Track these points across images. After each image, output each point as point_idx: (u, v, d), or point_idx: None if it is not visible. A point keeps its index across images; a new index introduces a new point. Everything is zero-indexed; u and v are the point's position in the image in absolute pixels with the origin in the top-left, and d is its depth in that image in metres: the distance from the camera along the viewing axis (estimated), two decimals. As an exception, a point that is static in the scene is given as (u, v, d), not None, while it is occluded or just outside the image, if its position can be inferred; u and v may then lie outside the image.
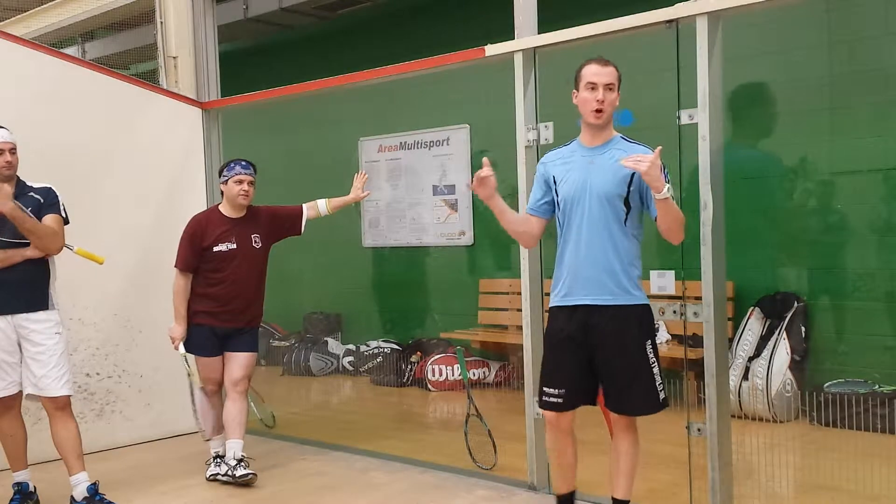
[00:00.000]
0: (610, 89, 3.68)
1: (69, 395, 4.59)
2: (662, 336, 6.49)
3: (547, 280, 4.93)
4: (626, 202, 3.70)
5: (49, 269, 4.63)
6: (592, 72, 3.69)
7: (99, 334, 5.93)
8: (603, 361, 3.76)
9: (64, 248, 4.64)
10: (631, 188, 3.69)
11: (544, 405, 3.86)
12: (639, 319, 3.76)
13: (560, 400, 3.80)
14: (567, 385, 3.79)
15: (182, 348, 5.11)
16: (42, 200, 4.56)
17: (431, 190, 8.01)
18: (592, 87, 3.67)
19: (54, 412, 4.56)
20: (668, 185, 3.53)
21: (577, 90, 3.75)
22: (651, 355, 3.75)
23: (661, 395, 3.78)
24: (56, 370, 4.52)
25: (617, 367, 3.75)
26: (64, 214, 4.65)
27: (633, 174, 3.64)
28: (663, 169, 3.60)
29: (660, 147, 3.57)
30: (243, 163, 5.16)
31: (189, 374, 5.16)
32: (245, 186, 5.13)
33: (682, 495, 4.33)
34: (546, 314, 4.86)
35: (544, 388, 3.85)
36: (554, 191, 3.83)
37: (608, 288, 3.71)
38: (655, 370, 3.75)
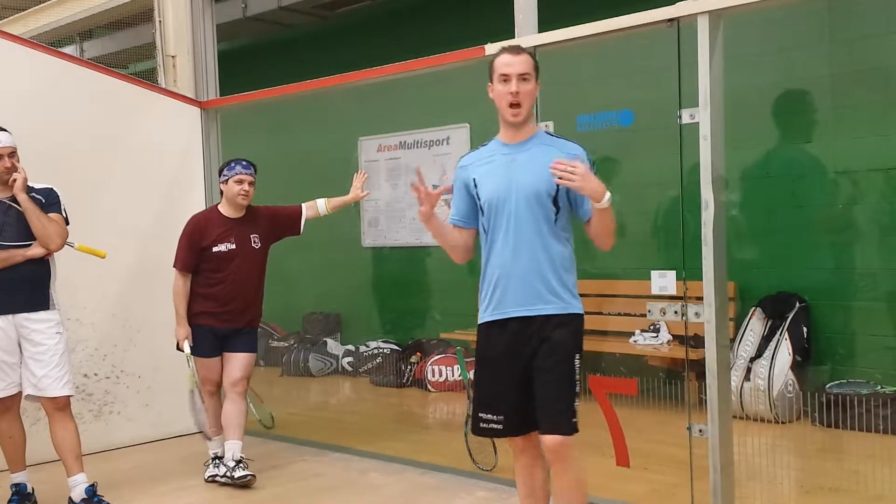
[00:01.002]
0: (525, 80, 3.35)
1: (69, 396, 4.58)
2: (664, 336, 6.48)
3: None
4: (556, 201, 3.37)
5: (50, 268, 4.63)
6: (504, 62, 3.37)
7: (97, 334, 5.91)
8: (533, 372, 3.38)
9: (65, 245, 4.63)
10: (560, 186, 3.33)
11: (481, 432, 3.50)
12: (573, 330, 3.40)
13: (500, 426, 3.44)
14: (507, 410, 3.42)
15: (187, 347, 5.09)
16: (44, 201, 4.57)
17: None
18: (505, 78, 3.34)
19: (54, 412, 4.54)
20: (608, 195, 3.20)
21: (492, 83, 3.42)
22: (577, 371, 3.38)
23: (574, 420, 3.35)
24: (57, 370, 4.51)
25: (544, 377, 3.36)
26: (65, 214, 4.65)
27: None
28: (594, 170, 3.33)
29: (580, 152, 3.37)
30: (244, 163, 5.14)
31: (193, 376, 5.12)
32: (245, 186, 5.11)
33: (683, 496, 4.31)
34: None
35: (480, 414, 3.46)
36: (475, 195, 3.48)
37: (541, 296, 3.36)
38: (577, 388, 3.36)
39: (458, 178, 3.57)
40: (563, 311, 3.38)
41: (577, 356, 3.39)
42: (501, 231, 3.40)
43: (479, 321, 3.52)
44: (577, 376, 3.37)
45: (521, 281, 3.37)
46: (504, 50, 3.44)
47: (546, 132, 3.53)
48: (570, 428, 3.33)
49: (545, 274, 3.36)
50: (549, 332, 3.35)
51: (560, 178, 3.19)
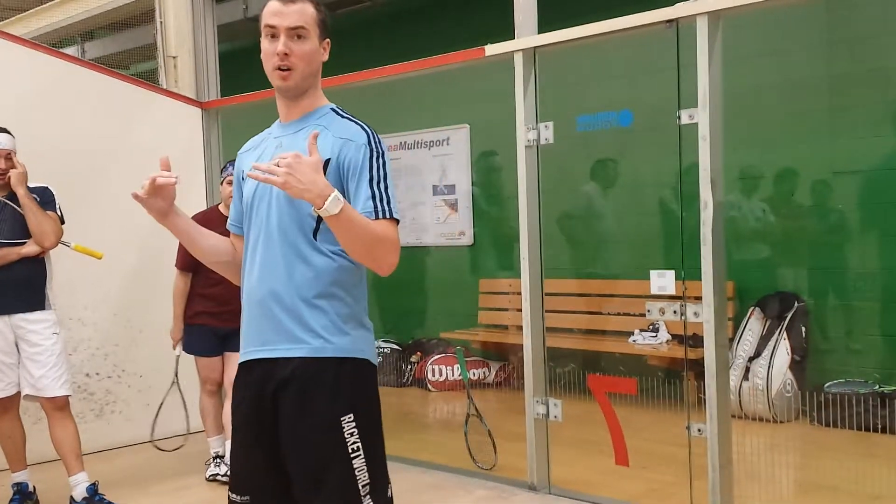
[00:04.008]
0: (300, 36, 2.41)
1: (68, 396, 4.59)
2: (663, 336, 6.49)
3: (548, 280, 4.94)
4: None
5: (46, 268, 4.63)
6: (272, 11, 2.42)
7: (98, 334, 5.92)
8: (283, 443, 2.44)
9: (61, 244, 4.64)
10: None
11: None
12: (334, 379, 2.43)
13: None
14: (254, 489, 2.50)
15: (179, 350, 5.12)
16: (39, 199, 4.58)
17: (431, 190, 8.00)
18: (272, 32, 2.42)
19: (53, 412, 4.55)
20: (331, 196, 2.20)
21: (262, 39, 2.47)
22: (351, 437, 2.42)
23: (367, 501, 2.40)
24: (54, 370, 4.52)
25: (296, 455, 2.42)
26: (60, 213, 4.66)
27: (327, 163, 2.37)
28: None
29: (314, 132, 2.30)
30: (238, 164, 5.15)
31: (175, 377, 5.21)
32: (239, 187, 5.12)
33: (681, 495, 4.32)
34: (545, 314, 4.87)
35: (229, 494, 2.54)
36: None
37: (288, 332, 2.42)
38: (358, 461, 2.41)
39: (235, 169, 2.71)
40: (316, 353, 2.42)
41: (348, 417, 2.44)
42: (251, 243, 2.51)
43: None
44: (356, 443, 2.42)
45: (262, 311, 2.46)
46: None
47: (334, 109, 2.55)
48: None
49: (295, 304, 2.42)
50: (296, 386, 2.42)
51: (260, 178, 2.28)
